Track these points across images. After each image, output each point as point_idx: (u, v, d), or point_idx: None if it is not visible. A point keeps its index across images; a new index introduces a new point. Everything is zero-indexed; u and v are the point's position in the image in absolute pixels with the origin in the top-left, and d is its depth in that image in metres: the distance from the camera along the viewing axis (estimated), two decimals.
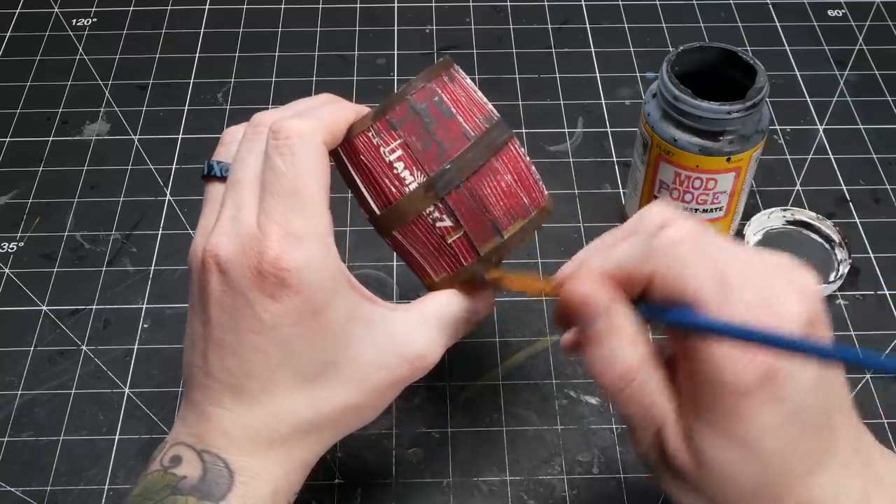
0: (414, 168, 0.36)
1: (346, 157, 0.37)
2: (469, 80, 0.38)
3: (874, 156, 0.62)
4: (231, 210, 0.34)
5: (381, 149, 0.36)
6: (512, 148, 0.38)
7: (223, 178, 0.36)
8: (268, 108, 0.37)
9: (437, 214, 0.37)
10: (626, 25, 0.71)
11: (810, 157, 0.61)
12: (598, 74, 0.67)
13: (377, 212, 0.37)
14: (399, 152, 0.36)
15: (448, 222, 0.37)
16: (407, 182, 0.36)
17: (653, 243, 0.31)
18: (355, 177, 0.37)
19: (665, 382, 0.32)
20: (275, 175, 0.33)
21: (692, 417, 0.31)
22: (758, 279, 0.30)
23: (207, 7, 0.73)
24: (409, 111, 0.36)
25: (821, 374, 0.30)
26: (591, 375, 0.32)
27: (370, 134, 0.36)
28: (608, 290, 0.31)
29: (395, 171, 0.36)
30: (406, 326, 0.36)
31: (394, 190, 0.36)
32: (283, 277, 0.32)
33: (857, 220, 0.57)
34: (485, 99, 0.38)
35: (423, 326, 0.37)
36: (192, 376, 0.35)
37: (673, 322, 0.30)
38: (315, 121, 0.34)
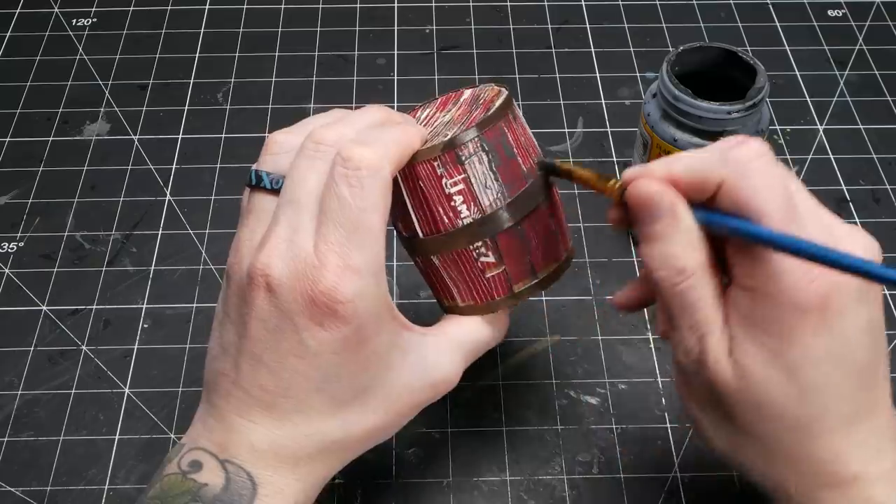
0: (472, 203, 0.36)
1: (401, 177, 0.36)
2: (523, 117, 0.39)
3: (874, 156, 0.62)
4: (286, 231, 0.33)
5: (444, 180, 0.36)
6: (555, 192, 0.39)
7: (272, 191, 0.35)
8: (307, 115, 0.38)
9: (483, 250, 0.37)
10: (626, 25, 0.71)
11: (810, 157, 0.61)
12: (598, 74, 0.67)
13: (421, 234, 0.37)
14: (461, 186, 0.36)
15: (492, 258, 0.37)
16: (462, 215, 0.36)
17: (728, 153, 0.32)
18: (407, 198, 0.37)
19: (717, 293, 0.32)
20: (339, 204, 0.33)
21: (740, 332, 0.31)
22: (823, 217, 0.32)
23: (207, 7, 0.73)
24: (478, 148, 0.36)
25: (871, 323, 0.31)
26: (647, 269, 0.33)
27: (436, 164, 0.36)
28: (675, 191, 0.32)
29: (452, 203, 0.36)
30: (435, 352, 0.37)
31: (447, 220, 0.36)
32: (336, 308, 0.32)
33: (857, 220, 0.57)
34: (531, 136, 0.39)
35: (449, 352, 0.38)
36: (218, 383, 0.35)
37: (737, 231, 0.31)
38: (385, 152, 0.34)
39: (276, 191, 0.35)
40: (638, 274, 0.55)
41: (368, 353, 0.34)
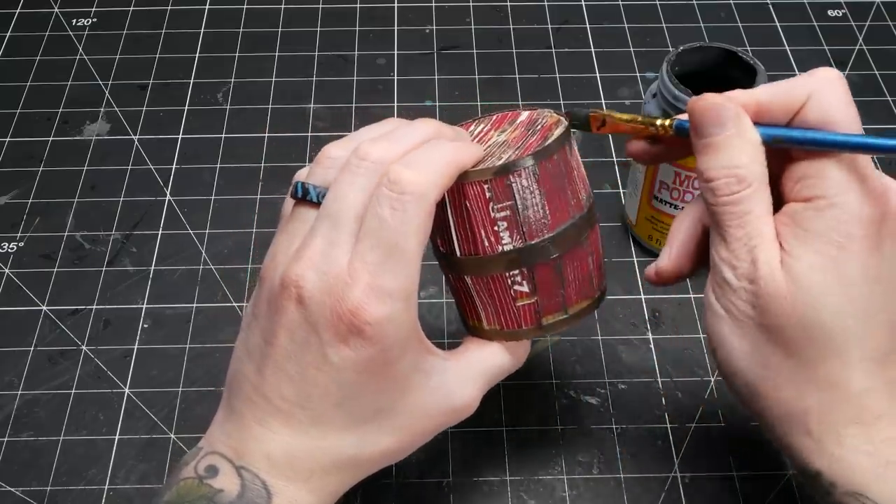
0: (514, 232, 0.36)
1: (448, 194, 0.36)
2: (577, 150, 0.38)
3: (874, 156, 0.61)
4: (322, 245, 0.33)
5: (492, 204, 0.35)
6: (597, 229, 0.39)
7: (317, 204, 0.35)
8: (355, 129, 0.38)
9: (518, 278, 0.37)
10: (626, 25, 0.71)
11: None
12: (598, 74, 0.67)
13: (458, 254, 0.37)
14: (507, 213, 0.35)
15: (525, 288, 0.37)
16: (503, 242, 0.36)
17: (813, 73, 0.33)
18: (450, 215, 0.36)
19: (770, 209, 0.33)
20: (379, 224, 0.32)
21: (796, 243, 0.32)
22: None
23: (207, 7, 0.73)
24: (531, 178, 0.35)
25: None
26: (704, 180, 0.34)
27: (486, 187, 0.35)
28: (738, 104, 0.33)
29: (495, 228, 0.36)
30: (457, 378, 0.37)
31: (487, 244, 0.36)
32: (362, 329, 0.32)
33: None
34: (584, 171, 0.39)
35: (471, 379, 0.38)
36: (240, 387, 0.35)
37: (820, 140, 0.32)
38: (434, 178, 0.33)
39: (320, 204, 0.35)
40: (639, 275, 0.55)
41: (391, 375, 0.34)
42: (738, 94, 0.34)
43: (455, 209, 0.36)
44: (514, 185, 0.35)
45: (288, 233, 0.35)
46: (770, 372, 0.33)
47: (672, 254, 0.37)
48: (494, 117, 0.40)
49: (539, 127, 0.38)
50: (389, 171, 0.33)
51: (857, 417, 0.32)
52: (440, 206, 0.36)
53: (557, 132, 0.36)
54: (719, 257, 0.34)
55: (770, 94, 0.33)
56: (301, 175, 0.37)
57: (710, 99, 0.33)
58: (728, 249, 0.33)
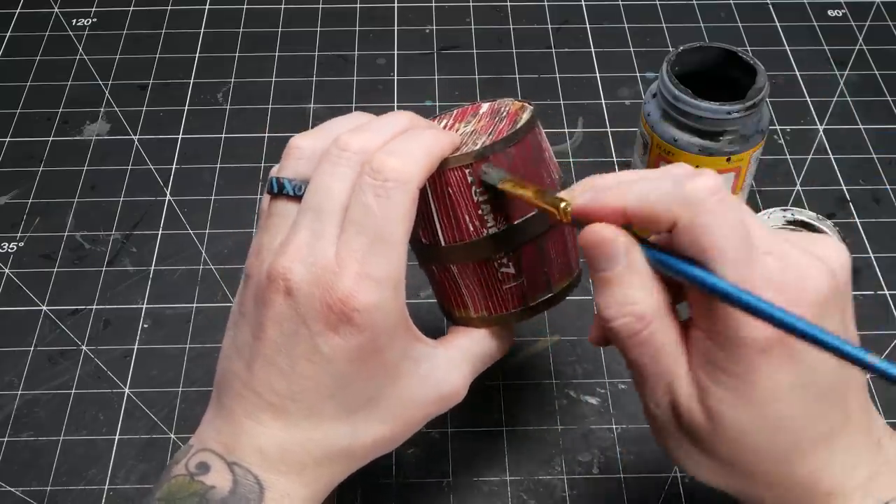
0: (499, 215, 0.36)
1: (429, 183, 0.36)
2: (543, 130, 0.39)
3: (874, 156, 0.62)
4: (307, 236, 0.33)
5: (474, 188, 0.36)
6: None
7: (294, 197, 0.35)
8: (339, 117, 0.37)
9: (504, 261, 0.37)
10: (626, 25, 0.71)
11: (810, 157, 0.61)
12: (598, 74, 0.67)
13: (443, 242, 0.37)
14: (489, 195, 0.36)
15: (511, 270, 0.37)
16: (488, 225, 0.36)
17: (683, 190, 0.29)
18: (432, 204, 0.36)
19: (679, 337, 0.32)
20: (364, 213, 0.33)
21: (704, 376, 0.31)
22: (781, 246, 0.30)
23: (207, 7, 0.73)
24: (510, 160, 0.36)
25: None
26: (603, 319, 0.32)
27: (467, 171, 0.35)
28: (628, 234, 0.31)
29: (479, 212, 0.36)
30: (446, 365, 0.37)
31: (472, 229, 0.36)
32: (352, 316, 0.32)
33: (857, 220, 0.57)
34: (552, 150, 0.39)
35: (459, 365, 0.38)
36: (229, 383, 0.35)
37: (692, 278, 0.30)
38: (416, 166, 0.33)
39: (298, 197, 0.35)
40: None
41: (381, 362, 0.34)
42: (610, 198, 0.31)
43: (437, 197, 0.36)
44: (494, 167, 0.35)
45: (269, 228, 0.35)
46: (720, 479, 0.33)
47: (598, 331, 0.36)
48: (455, 112, 0.41)
49: (505, 114, 0.38)
50: (372, 160, 0.33)
51: (807, 500, 0.32)
52: (421, 197, 0.36)
53: (525, 116, 0.37)
54: (641, 392, 0.33)
55: (638, 201, 0.30)
56: (275, 170, 0.37)
57: (598, 233, 0.31)
58: (647, 386, 0.32)
